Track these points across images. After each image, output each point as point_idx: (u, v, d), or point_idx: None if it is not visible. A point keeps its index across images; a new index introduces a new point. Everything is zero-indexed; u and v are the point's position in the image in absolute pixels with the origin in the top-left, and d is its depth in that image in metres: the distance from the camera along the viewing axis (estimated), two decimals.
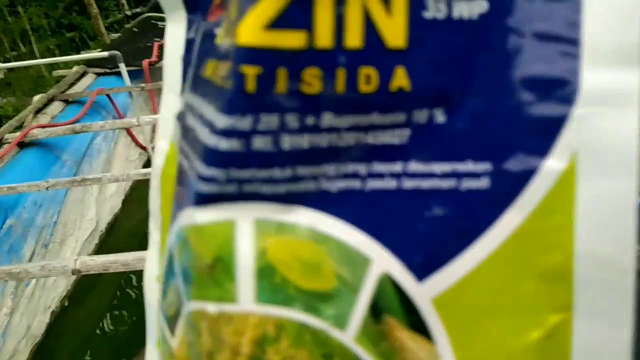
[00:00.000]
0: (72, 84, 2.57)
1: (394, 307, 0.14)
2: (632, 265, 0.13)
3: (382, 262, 0.14)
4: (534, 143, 0.13)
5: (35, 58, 3.47)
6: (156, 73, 2.85)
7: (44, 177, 1.69)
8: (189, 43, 0.18)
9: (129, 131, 2.58)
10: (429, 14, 0.13)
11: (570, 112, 0.13)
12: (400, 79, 0.13)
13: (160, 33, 3.33)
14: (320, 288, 0.14)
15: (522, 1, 0.13)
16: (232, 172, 0.14)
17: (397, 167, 0.14)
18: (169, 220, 0.18)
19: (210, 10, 0.17)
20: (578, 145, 0.13)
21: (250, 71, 0.13)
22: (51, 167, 1.96)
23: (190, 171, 0.15)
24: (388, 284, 0.14)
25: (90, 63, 2.79)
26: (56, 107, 2.32)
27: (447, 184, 0.14)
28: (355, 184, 0.14)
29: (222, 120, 0.13)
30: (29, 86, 3.40)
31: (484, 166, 0.14)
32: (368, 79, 0.13)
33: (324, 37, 0.12)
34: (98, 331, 1.79)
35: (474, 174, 0.14)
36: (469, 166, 0.14)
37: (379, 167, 0.14)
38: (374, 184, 0.14)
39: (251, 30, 0.12)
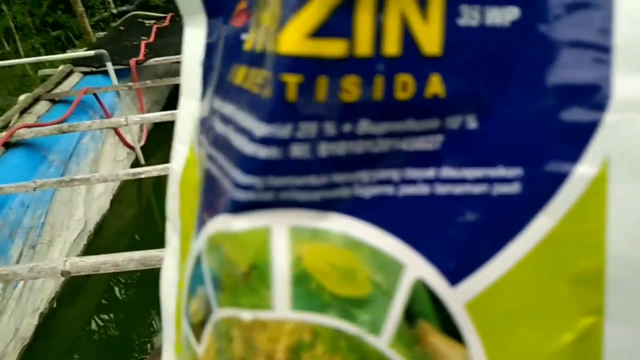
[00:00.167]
0: (58, 83, 2.54)
1: (427, 312, 0.14)
2: None
3: (416, 267, 0.14)
4: (566, 149, 0.13)
5: (19, 57, 3.42)
6: (143, 72, 2.83)
7: (31, 178, 1.67)
8: (210, 47, 0.18)
9: (116, 131, 2.55)
10: (463, 21, 0.13)
11: (601, 119, 0.13)
12: (435, 85, 0.13)
13: (147, 31, 3.31)
14: (355, 294, 0.14)
15: (553, 8, 0.13)
16: (270, 179, 0.14)
17: (430, 173, 0.14)
18: (192, 226, 0.18)
19: (233, 15, 0.17)
20: (610, 151, 0.13)
21: (292, 80, 0.13)
22: (38, 167, 1.94)
23: (224, 178, 0.15)
24: (422, 289, 0.14)
25: (76, 62, 2.76)
26: (42, 106, 2.29)
27: (479, 189, 0.14)
28: (389, 190, 0.14)
29: (262, 129, 0.13)
30: (14, 85, 3.35)
31: (516, 171, 0.14)
32: (404, 86, 0.13)
33: (364, 45, 0.12)
34: (87, 333, 1.78)
35: (506, 179, 0.14)
36: (500, 171, 0.14)
37: (412, 173, 0.14)
38: (407, 190, 0.14)
39: (294, 39, 0.12)
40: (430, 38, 0.13)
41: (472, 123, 0.14)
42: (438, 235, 0.14)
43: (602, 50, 0.13)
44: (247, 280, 0.14)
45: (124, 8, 4.07)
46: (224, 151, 0.15)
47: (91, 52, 2.53)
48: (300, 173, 0.14)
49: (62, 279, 1.81)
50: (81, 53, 2.65)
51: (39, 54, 3.49)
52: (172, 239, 0.20)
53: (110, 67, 2.54)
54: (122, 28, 3.48)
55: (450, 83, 0.13)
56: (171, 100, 3.39)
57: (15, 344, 1.53)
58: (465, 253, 0.14)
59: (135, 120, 2.05)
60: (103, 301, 1.92)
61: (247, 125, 0.14)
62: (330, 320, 0.14)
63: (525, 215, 0.14)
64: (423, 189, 0.14)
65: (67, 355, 1.70)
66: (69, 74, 2.68)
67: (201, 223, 0.17)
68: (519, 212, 0.14)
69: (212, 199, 0.16)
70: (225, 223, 0.15)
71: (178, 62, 3.05)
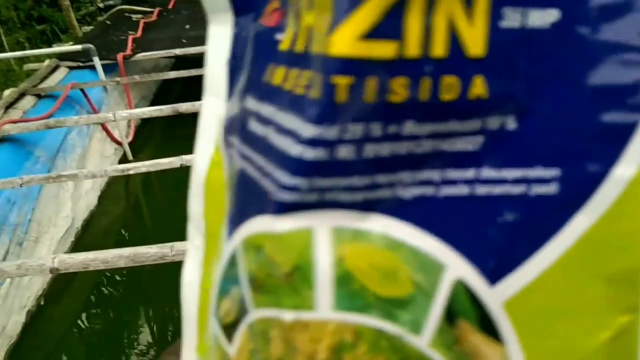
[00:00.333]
0: (44, 78, 2.50)
1: (467, 312, 0.14)
2: None
3: (456, 267, 0.14)
4: (604, 150, 0.14)
5: (4, 51, 3.37)
6: (131, 67, 2.80)
7: (17, 174, 1.65)
8: (236, 46, 0.18)
9: (104, 126, 2.53)
10: (505, 23, 0.13)
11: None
12: (479, 87, 0.13)
13: (134, 26, 3.28)
14: (397, 294, 0.14)
15: (593, 11, 0.13)
16: (315, 181, 0.14)
17: (470, 173, 0.14)
18: (219, 227, 0.18)
19: (263, 14, 0.16)
20: None
21: (342, 81, 0.13)
22: (24, 163, 1.91)
23: (264, 179, 0.15)
24: (461, 289, 0.14)
25: (62, 57, 2.72)
26: (28, 101, 2.26)
27: (517, 189, 0.14)
28: (430, 190, 0.14)
29: (309, 130, 0.13)
30: None
31: (554, 172, 0.14)
32: (450, 87, 0.13)
33: (413, 47, 0.13)
34: (75, 330, 1.76)
35: (544, 180, 0.14)
36: (538, 172, 0.14)
37: (453, 173, 0.14)
38: (447, 191, 0.14)
39: (346, 40, 0.12)
40: (475, 40, 0.13)
41: (511, 124, 0.14)
42: (477, 235, 0.14)
43: None
44: (289, 281, 0.14)
45: (111, 2, 4.03)
46: (263, 152, 0.15)
47: (78, 47, 2.50)
48: (345, 174, 0.14)
49: (50, 276, 1.79)
50: (68, 48, 2.61)
51: (24, 49, 3.43)
52: (194, 240, 0.20)
53: (97, 62, 2.51)
54: (108, 22, 3.44)
55: (493, 84, 0.13)
56: (159, 95, 3.36)
57: (2, 342, 1.51)
58: (504, 253, 0.14)
59: (124, 116, 2.03)
60: (91, 298, 1.90)
61: (292, 126, 0.14)
62: (372, 321, 0.14)
63: (563, 215, 0.14)
64: (463, 190, 0.14)
65: (55, 353, 1.68)
66: (54, 68, 2.65)
67: (234, 224, 0.16)
68: (557, 212, 0.14)
69: (248, 199, 0.16)
70: (267, 224, 0.15)
71: (166, 57, 3.03)
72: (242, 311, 0.16)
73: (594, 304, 0.14)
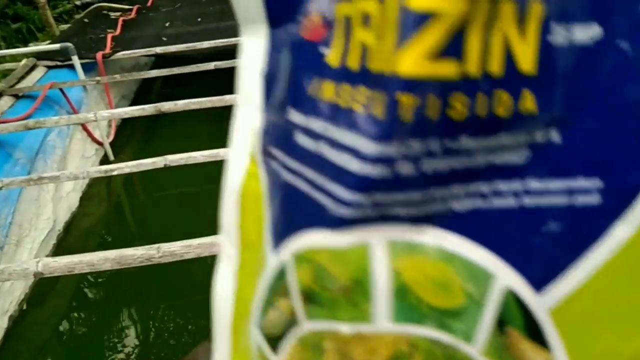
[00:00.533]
0: (21, 78, 2.46)
1: (516, 320, 0.14)
2: None
3: (505, 277, 0.14)
4: None
5: None
6: (110, 66, 2.77)
7: None
8: (272, 58, 0.18)
9: (84, 126, 2.49)
10: (553, 39, 0.13)
11: None
12: (528, 102, 0.14)
13: (112, 24, 3.23)
14: (450, 305, 0.14)
15: (633, 26, 0.14)
16: (375, 196, 0.14)
17: (517, 185, 0.14)
18: (259, 238, 0.18)
19: (303, 27, 0.16)
20: None
21: (407, 100, 0.13)
22: (3, 165, 1.88)
23: (317, 193, 0.15)
24: (510, 297, 0.14)
25: (39, 56, 2.67)
26: (5, 102, 2.22)
27: (561, 200, 0.14)
28: (479, 202, 0.15)
29: (372, 147, 0.13)
30: None
31: (595, 182, 0.14)
32: (503, 102, 0.13)
33: (473, 65, 0.13)
34: (58, 334, 1.74)
35: (586, 190, 0.14)
36: (581, 183, 0.14)
37: (501, 185, 0.14)
38: (496, 203, 0.15)
39: (413, 60, 0.12)
40: (526, 56, 0.13)
41: (555, 136, 0.14)
42: (524, 245, 0.14)
43: None
44: (347, 294, 0.15)
45: (88, 0, 3.96)
46: (315, 166, 0.15)
47: (57, 46, 2.46)
48: (403, 189, 0.14)
49: (32, 280, 1.76)
50: (46, 47, 2.57)
51: None
52: (227, 249, 0.20)
53: (76, 60, 2.48)
54: (86, 20, 3.39)
55: (541, 99, 0.14)
56: (139, 94, 3.32)
57: None
58: (549, 261, 0.14)
59: (105, 116, 2.01)
60: (74, 301, 1.88)
61: (350, 142, 0.14)
62: (427, 331, 0.14)
63: (605, 224, 0.14)
64: (510, 201, 0.14)
65: (38, 358, 1.66)
66: (32, 68, 2.60)
67: (281, 237, 0.17)
68: (599, 221, 0.14)
69: (298, 213, 0.16)
70: (324, 239, 0.15)
71: (146, 56, 3.00)
72: (291, 323, 0.16)
73: (637, 310, 0.15)
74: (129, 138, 2.87)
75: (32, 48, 2.75)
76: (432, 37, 0.12)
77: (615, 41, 0.14)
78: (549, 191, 0.14)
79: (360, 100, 0.14)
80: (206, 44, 2.65)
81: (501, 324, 0.14)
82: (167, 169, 1.56)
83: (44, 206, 1.97)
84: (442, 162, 0.14)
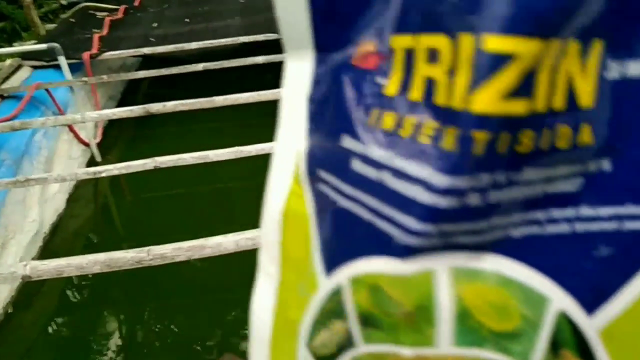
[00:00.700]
0: (6, 78, 2.42)
1: (569, 341, 0.15)
2: None
3: (559, 300, 0.15)
4: None
5: None
6: (97, 66, 2.74)
7: None
8: (319, 83, 0.18)
9: (71, 127, 2.47)
10: (609, 75, 0.14)
11: None
12: (586, 134, 0.14)
13: (99, 24, 3.20)
14: (508, 328, 0.15)
15: None
16: (443, 226, 0.15)
17: (570, 212, 0.15)
18: (304, 257, 0.18)
19: (356, 55, 0.17)
20: None
21: (481, 136, 0.13)
22: None
23: (381, 221, 0.16)
24: (563, 320, 0.15)
25: (25, 56, 2.64)
26: None
27: (611, 226, 0.15)
28: (535, 229, 0.15)
29: (444, 180, 0.14)
30: None
31: None
32: (564, 136, 0.14)
33: (541, 102, 0.14)
34: (45, 337, 1.72)
35: (634, 216, 0.15)
36: (630, 209, 0.15)
37: (555, 213, 0.15)
38: (550, 229, 0.15)
39: (489, 100, 0.13)
40: (586, 91, 0.14)
41: (606, 166, 0.15)
42: (576, 269, 0.15)
43: None
44: (410, 319, 0.15)
45: None
46: (377, 195, 0.16)
47: (44, 46, 2.42)
48: (469, 219, 0.15)
49: (18, 282, 1.74)
50: (33, 47, 2.53)
51: None
52: (267, 267, 0.21)
53: (63, 61, 2.44)
54: (72, 20, 3.35)
55: (597, 131, 0.15)
56: (126, 94, 3.30)
57: None
58: (600, 284, 0.15)
59: (93, 117, 1.98)
60: (61, 303, 1.86)
61: (418, 173, 0.15)
62: (487, 354, 0.15)
63: None
64: (564, 228, 0.15)
65: None
66: (17, 68, 2.57)
67: (336, 261, 0.17)
68: None
69: (356, 238, 0.17)
70: (387, 265, 0.16)
71: (133, 57, 2.98)
72: (345, 344, 0.17)
73: None
74: (116, 139, 2.85)
75: (19, 48, 2.72)
76: (507, 78, 0.13)
77: None
78: (599, 217, 0.15)
79: (427, 133, 0.14)
80: (194, 45, 2.64)
81: (555, 345, 0.15)
82: (154, 169, 1.55)
83: (29, 208, 1.95)
84: (506, 193, 0.14)
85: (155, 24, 3.25)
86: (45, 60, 2.60)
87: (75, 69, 2.58)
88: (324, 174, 0.18)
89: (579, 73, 0.14)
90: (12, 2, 3.64)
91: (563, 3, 0.12)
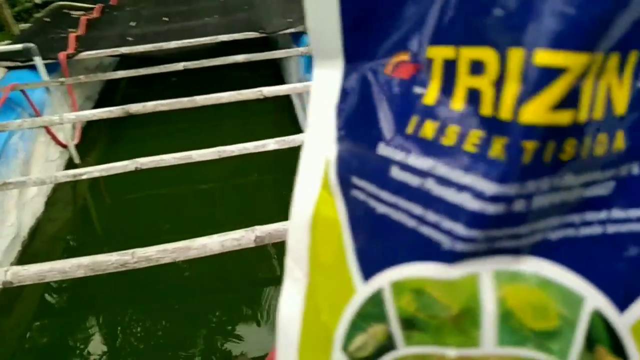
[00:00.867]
0: None
1: (603, 338, 0.16)
2: None
3: (593, 299, 0.16)
4: None
5: None
6: (73, 66, 2.70)
7: None
8: (348, 92, 0.18)
9: (48, 129, 2.42)
10: (639, 83, 0.15)
11: None
12: (619, 141, 0.15)
13: (74, 23, 3.15)
14: (547, 327, 0.16)
15: None
16: (491, 232, 0.15)
17: (603, 214, 0.16)
18: (336, 262, 0.19)
19: (389, 65, 0.17)
20: None
21: (530, 146, 0.14)
22: None
23: (427, 228, 0.16)
24: (598, 318, 0.16)
25: None
26: None
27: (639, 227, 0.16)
28: (571, 232, 0.16)
29: (492, 188, 0.15)
30: None
31: None
32: (601, 143, 0.15)
33: (584, 112, 0.14)
34: (24, 343, 1.69)
35: None
36: None
37: (589, 215, 0.16)
38: (585, 231, 0.16)
39: (539, 112, 0.14)
40: (621, 100, 0.15)
41: (635, 169, 0.16)
42: (609, 269, 0.16)
43: None
44: (456, 321, 0.16)
45: None
46: (420, 201, 0.16)
47: (19, 46, 2.38)
48: (514, 224, 0.15)
49: None
50: (7, 47, 2.48)
51: None
52: (294, 272, 0.21)
53: (39, 61, 2.40)
54: (47, 19, 3.29)
55: (629, 137, 0.15)
56: (104, 94, 3.26)
57: None
58: (630, 283, 0.16)
59: (71, 119, 1.95)
60: (40, 308, 1.83)
61: (466, 181, 0.15)
62: (528, 352, 0.16)
63: None
64: (597, 229, 0.16)
65: None
66: None
67: (375, 266, 0.17)
68: None
69: (398, 245, 0.17)
70: (433, 270, 0.16)
71: (111, 56, 2.94)
72: (386, 347, 0.17)
73: None
74: (95, 140, 2.81)
75: None
76: (556, 90, 0.13)
77: None
78: (629, 219, 0.16)
79: (473, 141, 0.15)
80: (173, 44, 2.61)
81: (591, 342, 0.16)
82: (134, 170, 1.53)
83: (7, 212, 1.91)
84: (548, 198, 0.15)
85: (133, 23, 3.21)
86: (21, 60, 2.55)
87: (51, 69, 2.54)
88: (358, 181, 0.18)
89: (617, 83, 0.15)
90: None
91: (608, 16, 0.13)
